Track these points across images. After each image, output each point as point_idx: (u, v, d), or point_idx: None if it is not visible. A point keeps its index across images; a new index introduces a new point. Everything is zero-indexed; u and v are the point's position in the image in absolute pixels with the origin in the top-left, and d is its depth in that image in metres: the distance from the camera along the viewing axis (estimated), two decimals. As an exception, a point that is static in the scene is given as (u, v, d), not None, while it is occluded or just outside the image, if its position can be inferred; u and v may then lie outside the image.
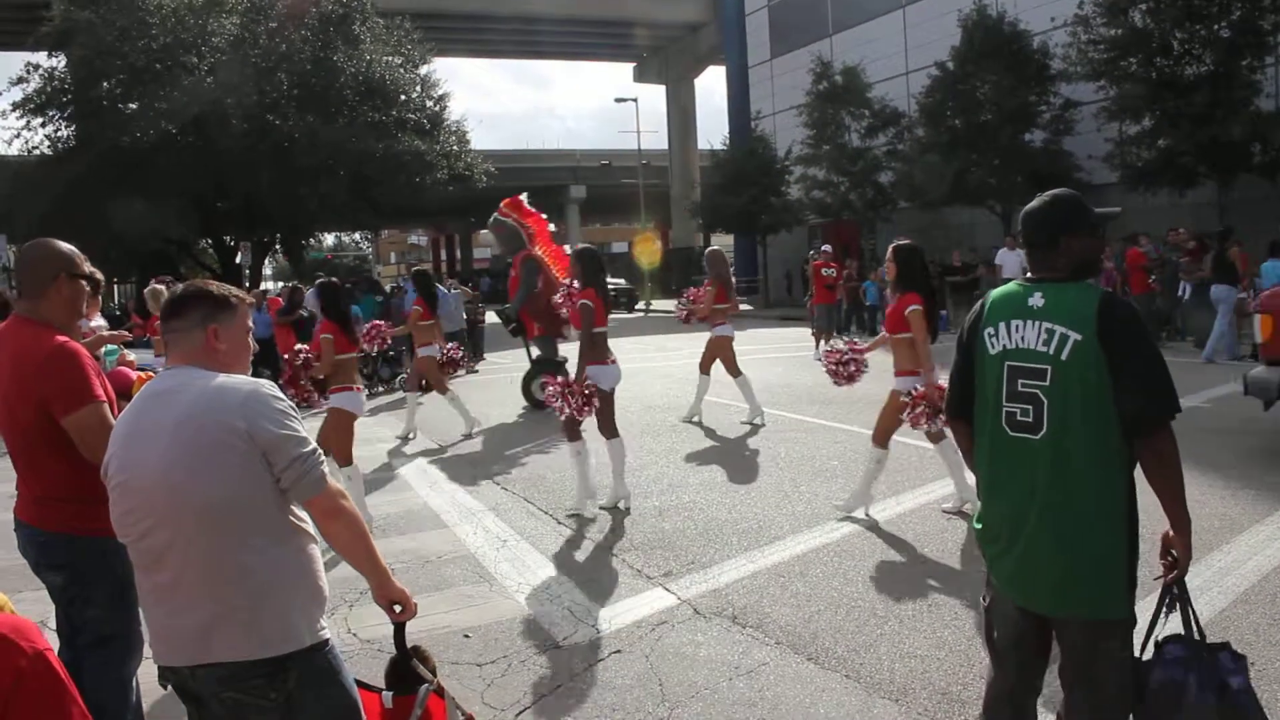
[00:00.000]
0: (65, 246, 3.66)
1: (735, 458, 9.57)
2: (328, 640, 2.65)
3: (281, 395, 2.63)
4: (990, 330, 2.96)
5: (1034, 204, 3.00)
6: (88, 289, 3.66)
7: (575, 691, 4.49)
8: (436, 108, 34.37)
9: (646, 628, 5.21)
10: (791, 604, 5.44)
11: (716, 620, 5.26)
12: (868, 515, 7.14)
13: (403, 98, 32.64)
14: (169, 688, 2.67)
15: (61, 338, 3.47)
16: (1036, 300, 2.87)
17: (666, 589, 5.80)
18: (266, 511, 2.55)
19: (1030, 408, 2.85)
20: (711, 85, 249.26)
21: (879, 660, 4.63)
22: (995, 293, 3.05)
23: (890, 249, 7.13)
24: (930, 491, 7.72)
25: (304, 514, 2.64)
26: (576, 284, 7.75)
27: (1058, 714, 3.03)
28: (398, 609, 2.83)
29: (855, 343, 8.06)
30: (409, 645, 3.07)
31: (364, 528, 2.71)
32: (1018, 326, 2.89)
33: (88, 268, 3.66)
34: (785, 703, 4.26)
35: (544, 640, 5.11)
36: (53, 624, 3.83)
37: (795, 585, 5.75)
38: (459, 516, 7.75)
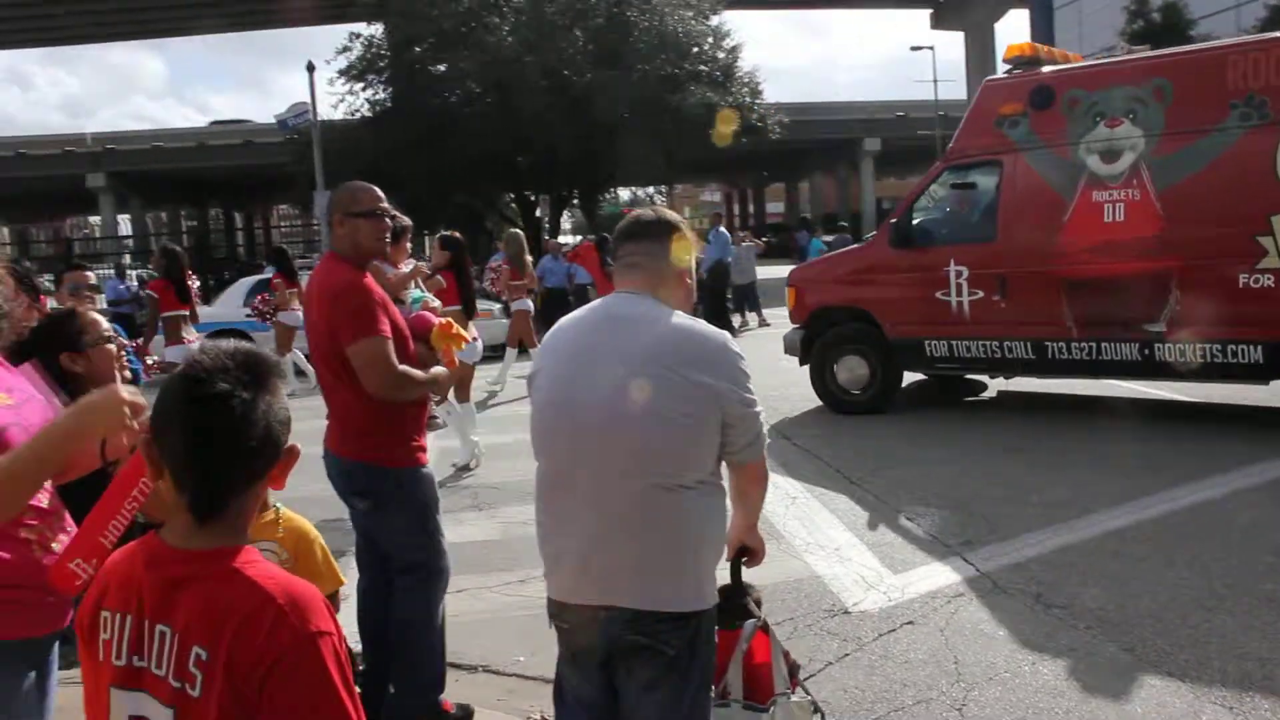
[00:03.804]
0: (348, 188, 3.78)
1: (1040, 419, 8.97)
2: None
3: (741, 351, 2.52)
4: None
5: None
6: (371, 228, 3.66)
7: (864, 662, 4.33)
8: (728, 59, 34.15)
9: (942, 599, 4.95)
10: (1104, 585, 4.99)
11: (1019, 597, 4.91)
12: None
13: (694, 50, 32.63)
14: (551, 625, 2.57)
15: (355, 272, 3.61)
16: None
17: (964, 559, 5.48)
18: (704, 465, 2.45)
19: None
20: (1012, 30, 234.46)
21: (1208, 659, 4.15)
22: None
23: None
24: (1265, 473, 6.86)
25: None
26: None
27: None
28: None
29: None
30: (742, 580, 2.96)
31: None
32: None
33: (382, 207, 3.70)
34: (1097, 695, 3.90)
35: (832, 604, 4.97)
36: (354, 556, 4.05)
37: (1108, 565, 5.28)
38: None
